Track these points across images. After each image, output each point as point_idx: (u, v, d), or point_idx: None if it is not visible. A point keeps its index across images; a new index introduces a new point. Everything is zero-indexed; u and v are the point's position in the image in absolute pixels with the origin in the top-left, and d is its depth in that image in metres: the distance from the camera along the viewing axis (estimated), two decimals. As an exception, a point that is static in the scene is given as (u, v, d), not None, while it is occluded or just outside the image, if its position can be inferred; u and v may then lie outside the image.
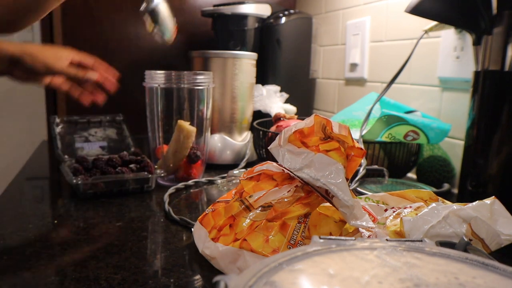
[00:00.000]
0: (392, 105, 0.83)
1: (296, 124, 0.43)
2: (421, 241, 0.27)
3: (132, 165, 0.71)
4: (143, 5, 0.68)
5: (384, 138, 0.74)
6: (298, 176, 0.41)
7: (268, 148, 0.45)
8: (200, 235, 0.45)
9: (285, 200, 0.41)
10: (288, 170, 0.43)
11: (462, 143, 0.67)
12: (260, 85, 1.01)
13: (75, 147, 0.84)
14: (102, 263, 0.44)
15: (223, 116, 0.90)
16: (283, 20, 1.06)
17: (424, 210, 0.41)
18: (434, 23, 0.77)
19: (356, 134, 0.72)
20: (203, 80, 0.74)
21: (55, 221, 0.55)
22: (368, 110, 0.77)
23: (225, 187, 0.74)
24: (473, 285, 0.21)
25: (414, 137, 0.74)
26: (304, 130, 0.42)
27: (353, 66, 1.07)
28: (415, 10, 0.66)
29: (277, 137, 0.44)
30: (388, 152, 0.77)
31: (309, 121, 0.42)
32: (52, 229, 0.53)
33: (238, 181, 0.59)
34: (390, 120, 0.73)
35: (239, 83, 0.89)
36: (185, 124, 0.72)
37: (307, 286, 0.21)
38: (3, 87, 1.81)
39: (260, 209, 0.42)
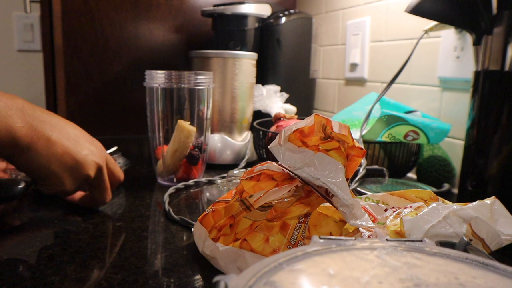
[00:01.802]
0: (392, 105, 0.83)
1: (296, 123, 0.43)
2: (421, 241, 0.27)
3: None
4: None
5: (384, 138, 0.74)
6: (297, 175, 0.41)
7: (268, 147, 0.45)
8: (200, 235, 0.45)
9: (285, 200, 0.41)
10: (288, 170, 0.43)
11: (462, 143, 0.67)
12: (260, 85, 1.01)
13: None
14: (102, 263, 0.44)
15: (223, 116, 0.90)
16: (283, 20, 1.06)
17: (425, 209, 0.41)
18: (434, 23, 0.77)
19: (356, 134, 0.72)
20: (204, 80, 0.74)
21: (55, 221, 0.55)
22: (368, 110, 0.77)
23: (225, 187, 0.74)
24: (473, 285, 0.21)
25: (414, 137, 0.74)
26: (304, 129, 0.42)
27: (353, 66, 1.07)
28: (415, 10, 0.66)
29: (277, 136, 0.44)
30: (388, 152, 0.77)
31: (309, 121, 0.42)
32: (52, 229, 0.53)
33: (238, 181, 0.59)
34: (390, 120, 0.73)
35: (239, 83, 0.89)
36: (185, 124, 0.72)
37: (307, 286, 0.21)
38: (2, 87, 1.81)
39: (260, 209, 0.42)
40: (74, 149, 0.51)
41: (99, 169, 0.55)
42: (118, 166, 0.61)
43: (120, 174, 0.62)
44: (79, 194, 0.60)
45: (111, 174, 0.59)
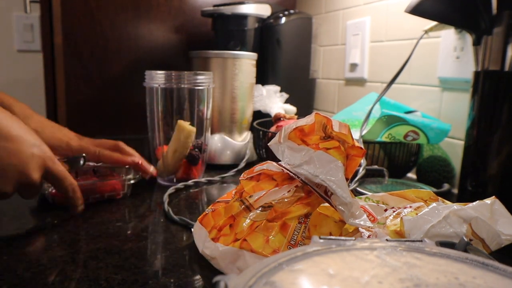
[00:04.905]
0: (392, 105, 0.83)
1: (296, 122, 0.43)
2: (421, 241, 0.27)
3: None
4: None
5: (384, 138, 0.74)
6: (297, 173, 0.41)
7: (268, 144, 0.45)
8: (200, 235, 0.45)
9: (286, 200, 0.41)
10: (288, 170, 0.43)
11: (462, 143, 0.67)
12: (260, 85, 1.01)
13: None
14: (102, 263, 0.44)
15: (223, 116, 0.90)
16: (283, 20, 1.06)
17: (425, 209, 0.41)
18: (434, 23, 0.77)
19: (356, 134, 0.72)
20: (203, 80, 0.74)
21: (55, 221, 0.55)
22: (368, 110, 0.77)
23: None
24: (473, 285, 0.21)
25: (414, 137, 0.74)
26: (304, 128, 0.42)
27: (353, 66, 1.07)
28: (415, 10, 0.66)
29: (277, 134, 0.44)
30: (388, 152, 0.77)
31: (309, 119, 0.42)
32: (52, 229, 0.53)
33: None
34: (390, 120, 0.73)
35: (239, 83, 0.89)
36: (185, 124, 0.72)
37: (307, 286, 0.21)
38: (2, 87, 1.81)
39: (260, 209, 0.42)
40: (18, 148, 0.47)
41: (46, 171, 0.50)
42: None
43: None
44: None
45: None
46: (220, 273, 0.41)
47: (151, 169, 0.71)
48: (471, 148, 0.61)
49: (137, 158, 0.69)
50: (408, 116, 0.74)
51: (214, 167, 0.86)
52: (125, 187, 0.66)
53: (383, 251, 0.25)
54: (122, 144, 0.70)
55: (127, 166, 0.68)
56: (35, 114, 0.66)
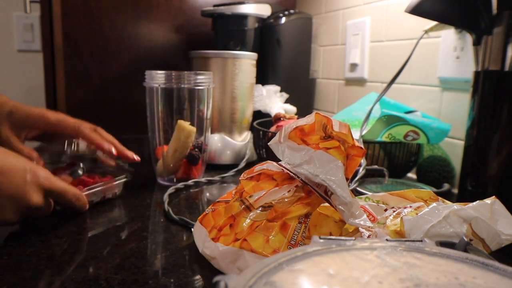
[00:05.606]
0: (392, 105, 0.83)
1: (297, 121, 0.43)
2: (421, 241, 0.27)
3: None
4: None
5: (384, 138, 0.74)
6: (297, 173, 0.41)
7: (268, 144, 0.45)
8: (200, 235, 0.45)
9: (286, 200, 0.41)
10: (288, 169, 0.43)
11: (462, 143, 0.67)
12: (260, 85, 1.01)
13: None
14: (102, 263, 0.44)
15: (223, 116, 0.90)
16: (283, 20, 1.06)
17: (425, 209, 0.41)
18: (434, 23, 0.77)
19: (356, 134, 0.72)
20: (203, 80, 0.74)
21: (55, 221, 0.55)
22: (368, 110, 0.77)
23: None
24: (473, 285, 0.21)
25: (414, 137, 0.74)
26: (304, 128, 0.42)
27: (353, 66, 1.07)
28: (415, 10, 0.66)
29: (277, 134, 0.44)
30: (388, 152, 0.77)
31: (310, 119, 0.42)
32: (52, 229, 0.53)
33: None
34: (390, 120, 0.73)
35: (239, 83, 0.89)
36: (185, 124, 0.72)
37: (307, 286, 0.21)
38: (2, 87, 1.81)
39: (260, 209, 0.42)
40: (10, 179, 0.48)
41: (46, 191, 0.51)
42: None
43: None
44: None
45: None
46: (220, 273, 0.41)
47: (131, 154, 0.69)
48: (471, 148, 0.61)
49: (114, 147, 0.66)
50: (408, 116, 0.74)
51: (214, 167, 0.86)
52: (120, 186, 0.66)
53: (383, 251, 0.25)
54: (100, 130, 0.68)
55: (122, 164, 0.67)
56: (11, 100, 0.65)
